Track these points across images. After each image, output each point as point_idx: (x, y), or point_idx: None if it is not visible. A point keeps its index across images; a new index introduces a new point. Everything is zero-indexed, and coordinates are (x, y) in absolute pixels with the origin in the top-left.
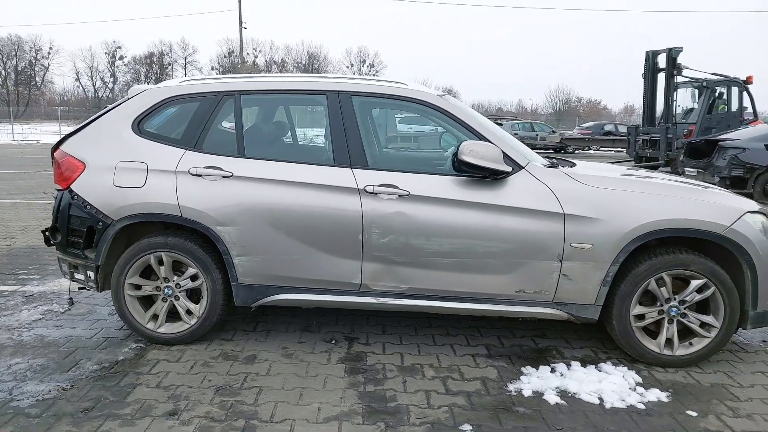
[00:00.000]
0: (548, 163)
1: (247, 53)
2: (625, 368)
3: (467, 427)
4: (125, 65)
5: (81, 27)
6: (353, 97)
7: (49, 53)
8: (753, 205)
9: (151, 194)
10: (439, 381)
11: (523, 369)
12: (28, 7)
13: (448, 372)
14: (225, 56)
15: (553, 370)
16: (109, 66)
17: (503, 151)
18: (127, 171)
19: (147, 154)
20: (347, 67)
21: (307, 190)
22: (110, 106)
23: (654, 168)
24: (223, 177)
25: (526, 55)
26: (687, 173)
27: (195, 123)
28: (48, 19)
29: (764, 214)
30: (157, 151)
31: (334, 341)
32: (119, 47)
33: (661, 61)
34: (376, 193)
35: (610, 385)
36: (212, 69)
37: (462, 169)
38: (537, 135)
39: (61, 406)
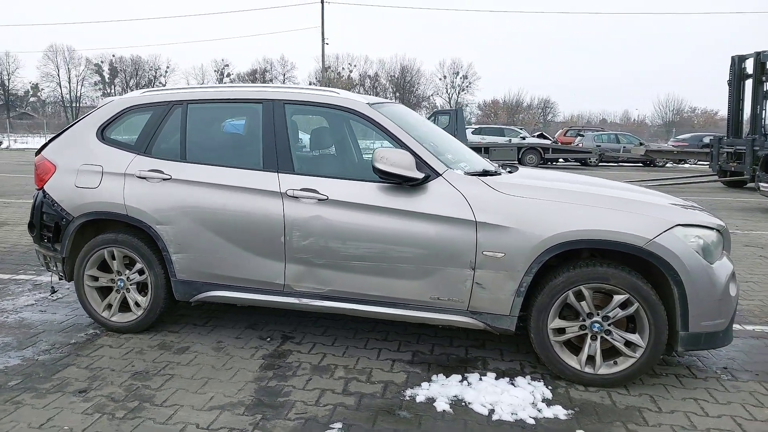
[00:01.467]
0: (490, 169)
1: (343, 68)
2: (542, 383)
3: (338, 425)
4: (231, 82)
5: (194, 47)
6: (286, 105)
7: (166, 71)
8: (692, 218)
9: (103, 194)
10: (342, 382)
11: (433, 376)
12: (149, 30)
13: (358, 374)
14: (323, 71)
15: (463, 380)
16: (217, 82)
17: (421, 159)
18: (87, 173)
19: (104, 158)
20: (440, 79)
21: (236, 193)
22: (83, 115)
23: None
24: (163, 179)
25: (633, 64)
26: (762, 190)
27: (147, 130)
28: (166, 40)
29: (712, 229)
30: (113, 155)
31: (269, 339)
32: (227, 65)
33: (749, 66)
34: (297, 197)
35: (511, 398)
36: (309, 83)
37: (378, 175)
38: (622, 147)
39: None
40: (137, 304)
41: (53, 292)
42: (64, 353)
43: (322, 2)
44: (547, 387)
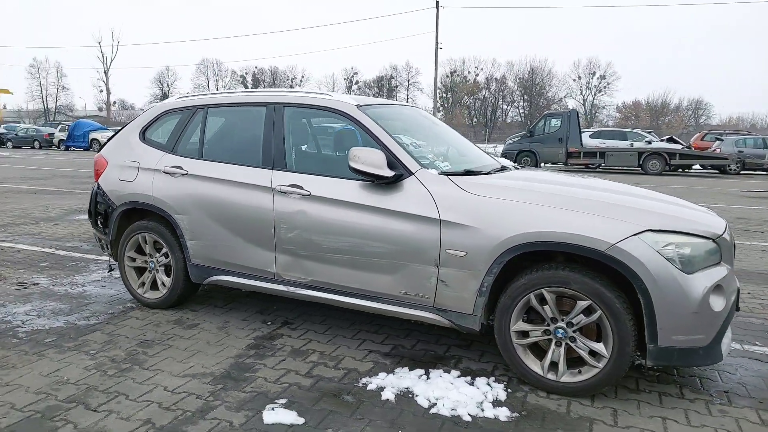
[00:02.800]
0: (478, 170)
1: (469, 71)
2: (502, 386)
3: (282, 401)
4: (359, 89)
5: (327, 57)
6: (285, 107)
7: (301, 81)
8: (671, 224)
9: (137, 187)
10: (310, 365)
11: (397, 369)
12: (286, 42)
13: (329, 360)
14: (447, 76)
15: (423, 375)
16: (346, 90)
17: (396, 157)
18: (128, 168)
19: (141, 156)
20: (573, 80)
21: (237, 187)
22: (132, 119)
23: None
24: (182, 175)
25: None
26: None
27: (175, 131)
28: (301, 51)
29: (699, 236)
30: (148, 153)
31: (270, 323)
32: (356, 73)
33: None
34: (285, 193)
35: (459, 395)
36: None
37: (354, 173)
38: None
39: (39, 334)
40: (163, 284)
41: (110, 270)
42: (99, 321)
43: (437, 7)
44: (506, 390)
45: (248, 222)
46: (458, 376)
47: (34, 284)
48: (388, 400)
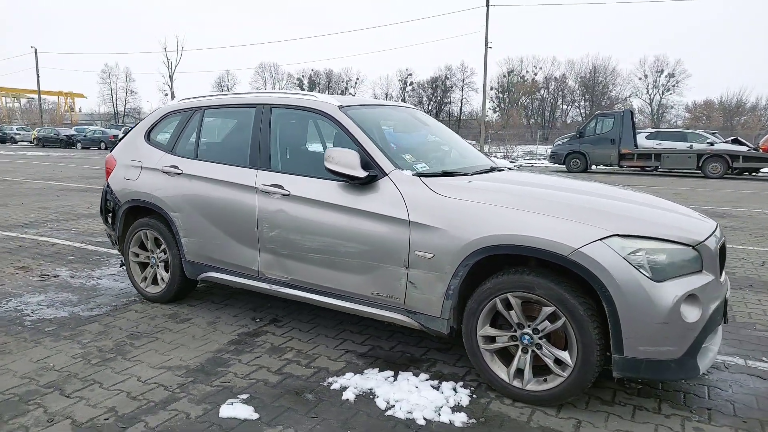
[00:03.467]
0: (460, 171)
1: (527, 71)
2: (468, 391)
3: (244, 396)
4: (413, 90)
5: (382, 59)
6: (273, 108)
7: (356, 83)
8: (642, 229)
9: (140, 185)
10: (283, 362)
11: (366, 370)
12: (341, 44)
13: (303, 358)
14: (504, 76)
15: (391, 377)
16: (400, 92)
17: (372, 158)
18: (132, 168)
19: (144, 156)
20: (639, 79)
21: (226, 187)
22: (140, 120)
23: None
24: (178, 174)
25: None
26: None
27: (175, 132)
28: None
29: (676, 243)
30: (150, 153)
31: (259, 320)
32: (410, 74)
33: None
34: (267, 192)
35: (420, 398)
36: (491, 89)
37: (330, 174)
38: None
39: (42, 323)
40: (162, 279)
41: (122, 265)
42: (101, 312)
43: (487, 6)
44: (471, 396)
45: (235, 220)
46: (426, 380)
47: (54, 276)
48: (347, 400)
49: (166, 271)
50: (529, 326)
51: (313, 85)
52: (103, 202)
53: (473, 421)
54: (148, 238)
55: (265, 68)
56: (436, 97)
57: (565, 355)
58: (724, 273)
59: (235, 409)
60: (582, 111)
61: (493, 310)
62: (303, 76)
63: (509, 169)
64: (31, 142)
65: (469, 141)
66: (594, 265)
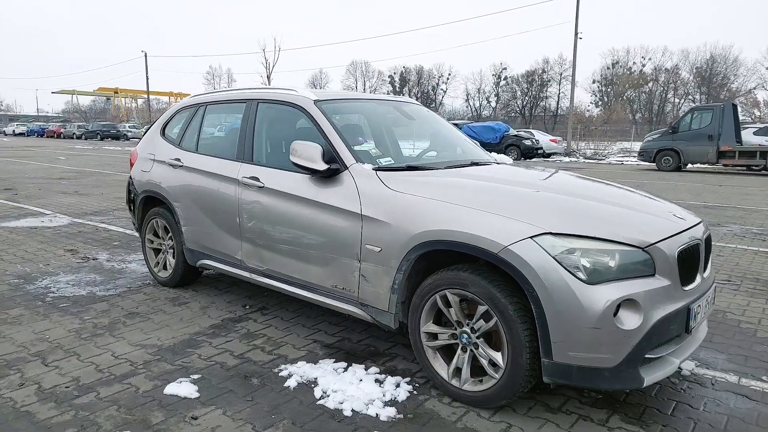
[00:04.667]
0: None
1: (634, 62)
2: (410, 387)
3: (196, 376)
4: (506, 84)
5: (474, 54)
6: (259, 103)
7: (447, 79)
8: (573, 227)
9: (151, 177)
10: (249, 348)
11: (321, 360)
12: (432, 39)
13: (269, 345)
14: (608, 68)
15: (342, 368)
16: (494, 86)
17: (336, 152)
18: (147, 161)
19: (157, 149)
20: (767, 68)
21: (215, 179)
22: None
23: None
24: (180, 166)
25: None
26: None
27: (182, 126)
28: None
29: (610, 241)
30: (162, 147)
31: (248, 306)
32: (505, 68)
33: None
34: (246, 184)
35: (357, 390)
36: (593, 82)
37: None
38: None
39: (60, 300)
40: (170, 265)
41: None
42: (114, 293)
43: None
44: (411, 392)
45: (221, 211)
46: (375, 373)
47: (93, 259)
48: (288, 387)
49: (173, 257)
50: (467, 325)
51: (404, 82)
52: (127, 192)
53: (400, 416)
54: (159, 226)
55: (356, 66)
56: (532, 91)
57: (497, 357)
58: (700, 278)
59: (180, 387)
60: (697, 105)
61: (435, 306)
62: (394, 73)
63: (497, 163)
64: (140, 138)
65: (556, 136)
66: (522, 263)
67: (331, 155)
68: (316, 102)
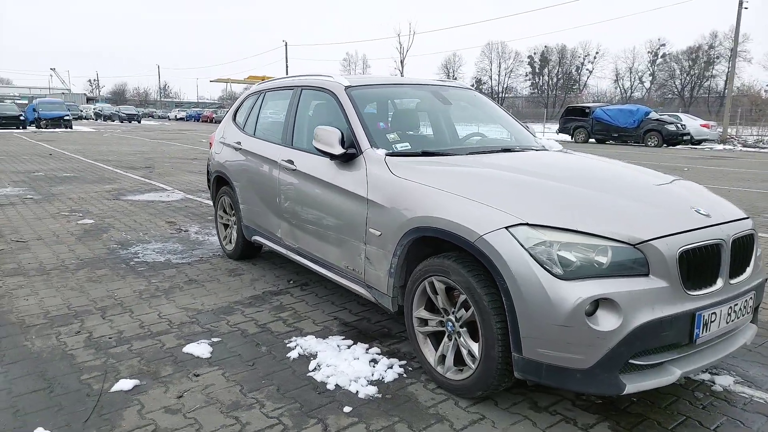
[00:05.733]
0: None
1: None
2: (401, 371)
3: (217, 339)
4: (664, 62)
5: (626, 29)
6: (303, 90)
7: (594, 57)
8: (552, 219)
9: (220, 158)
10: (274, 319)
11: (332, 336)
12: (576, 14)
13: (293, 318)
14: None
15: (346, 346)
16: (649, 65)
17: (355, 137)
18: (219, 144)
19: (226, 133)
20: None
21: (263, 161)
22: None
23: None
24: (239, 149)
25: None
26: None
27: (246, 113)
28: (596, 23)
29: (594, 235)
30: (230, 131)
31: (292, 281)
32: (663, 44)
33: None
34: (284, 167)
35: (348, 367)
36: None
37: None
38: None
39: (140, 265)
40: (233, 238)
41: None
42: (186, 261)
43: None
44: (401, 375)
45: (266, 191)
46: (376, 354)
47: (185, 231)
48: (289, 357)
49: (236, 232)
50: (453, 313)
51: (544, 63)
52: (207, 172)
53: (379, 396)
54: (226, 203)
55: (492, 47)
56: (694, 70)
57: (474, 347)
58: (722, 282)
59: (198, 348)
60: None
61: (426, 292)
62: (534, 53)
63: (539, 149)
64: None
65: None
66: (494, 254)
67: (350, 140)
68: (347, 88)
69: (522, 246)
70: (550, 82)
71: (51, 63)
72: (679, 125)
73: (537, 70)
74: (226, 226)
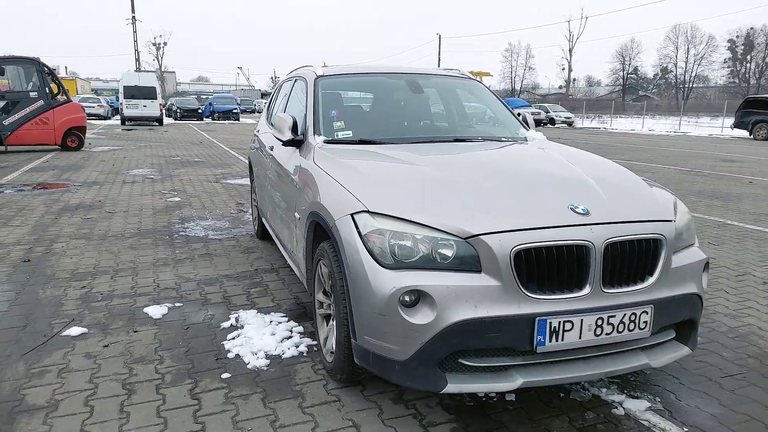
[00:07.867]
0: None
1: None
2: (305, 350)
3: (178, 304)
4: None
5: None
6: (297, 80)
7: None
8: (389, 207)
9: (252, 146)
10: (243, 293)
11: (274, 312)
12: None
13: (258, 294)
14: None
15: (276, 321)
16: None
17: (305, 124)
18: (254, 133)
19: (260, 123)
20: None
21: (263, 147)
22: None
23: None
24: (257, 136)
25: None
26: None
27: (270, 103)
28: None
29: (423, 226)
30: (261, 121)
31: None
32: None
33: None
34: (268, 153)
35: (259, 340)
36: None
37: None
38: None
39: (181, 239)
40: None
41: None
42: (218, 238)
43: None
44: (303, 354)
45: (262, 175)
46: (299, 333)
47: (243, 212)
48: (220, 326)
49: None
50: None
51: (749, 48)
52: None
53: (264, 369)
54: (253, 187)
55: (679, 30)
56: None
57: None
58: (589, 288)
59: (156, 309)
60: None
61: (321, 277)
62: (737, 36)
63: (514, 142)
64: None
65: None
66: (339, 238)
67: (301, 127)
68: (318, 77)
69: (359, 232)
70: (756, 69)
71: (238, 62)
72: None
73: (739, 57)
74: (256, 208)
